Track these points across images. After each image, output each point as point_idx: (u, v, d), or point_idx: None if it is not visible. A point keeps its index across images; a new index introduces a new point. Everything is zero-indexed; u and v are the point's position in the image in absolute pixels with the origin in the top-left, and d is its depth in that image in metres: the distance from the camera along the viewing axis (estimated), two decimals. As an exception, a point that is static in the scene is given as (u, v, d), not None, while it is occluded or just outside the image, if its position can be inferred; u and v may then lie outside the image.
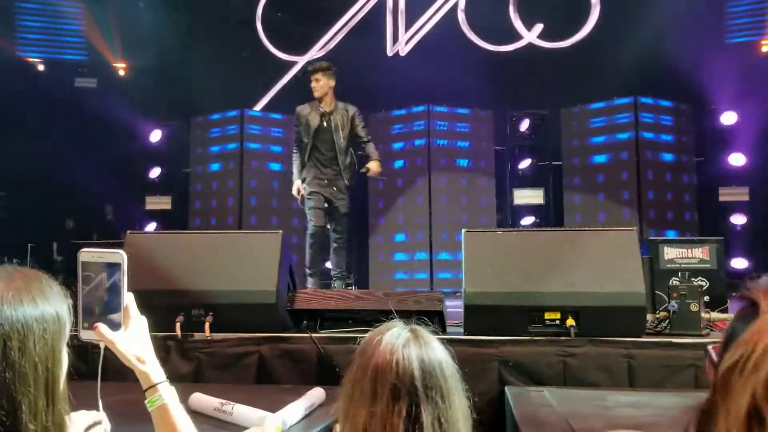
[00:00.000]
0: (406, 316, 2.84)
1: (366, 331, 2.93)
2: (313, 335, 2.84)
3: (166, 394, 1.37)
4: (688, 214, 7.56)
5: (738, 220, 7.51)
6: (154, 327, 2.65)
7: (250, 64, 7.67)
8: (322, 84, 5.29)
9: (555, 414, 2.14)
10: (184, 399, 2.16)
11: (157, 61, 7.79)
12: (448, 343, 1.40)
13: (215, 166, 7.64)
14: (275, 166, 7.63)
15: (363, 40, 8.15)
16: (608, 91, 7.54)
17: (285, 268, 3.04)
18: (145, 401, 1.36)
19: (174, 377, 2.73)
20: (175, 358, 2.79)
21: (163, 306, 2.88)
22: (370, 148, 5.43)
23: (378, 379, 1.29)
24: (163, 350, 2.79)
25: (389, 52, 8.22)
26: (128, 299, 1.36)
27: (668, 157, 7.52)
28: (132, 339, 1.35)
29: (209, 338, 2.85)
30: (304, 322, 3.02)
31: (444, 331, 2.92)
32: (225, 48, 7.76)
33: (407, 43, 8.18)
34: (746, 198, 7.55)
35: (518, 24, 8.06)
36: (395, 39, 8.24)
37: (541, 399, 2.38)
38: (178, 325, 2.85)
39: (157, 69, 7.80)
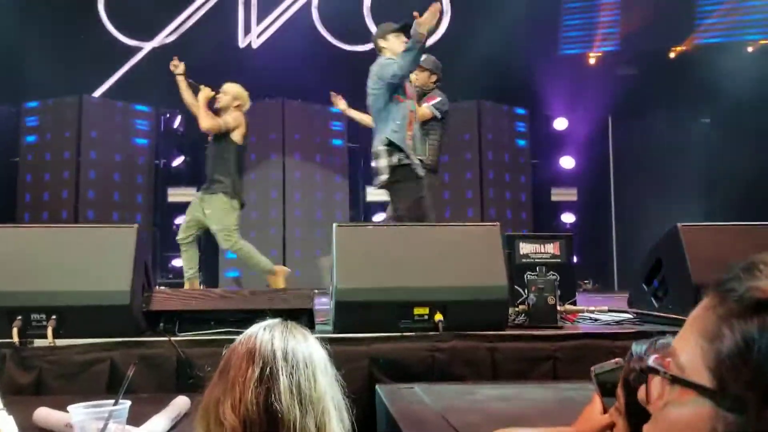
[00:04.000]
0: (274, 315, 2.74)
1: (230, 332, 2.79)
2: (171, 338, 2.63)
3: (2, 424, 1.19)
4: (525, 213, 8.05)
5: (568, 218, 8.14)
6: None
7: (90, 48, 7.07)
8: None
9: (431, 410, 2.14)
10: (27, 415, 1.91)
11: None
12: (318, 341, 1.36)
13: (48, 156, 6.98)
14: (117, 157, 7.11)
15: (214, 30, 7.85)
16: (453, 93, 7.82)
17: (140, 265, 2.80)
18: None
19: (12, 389, 2.43)
20: (12, 368, 2.47)
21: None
22: None
23: (234, 352, 1.25)
24: (-2, 359, 2.46)
25: (241, 44, 7.98)
26: None
27: (507, 158, 7.95)
28: None
29: (52, 345, 2.55)
30: (161, 324, 2.80)
31: (313, 329, 2.84)
32: (63, 29, 7.08)
33: (259, 36, 7.99)
34: (575, 198, 8.21)
35: (371, 25, 8.15)
36: (247, 31, 8.02)
37: (412, 396, 2.37)
38: (14, 330, 2.52)
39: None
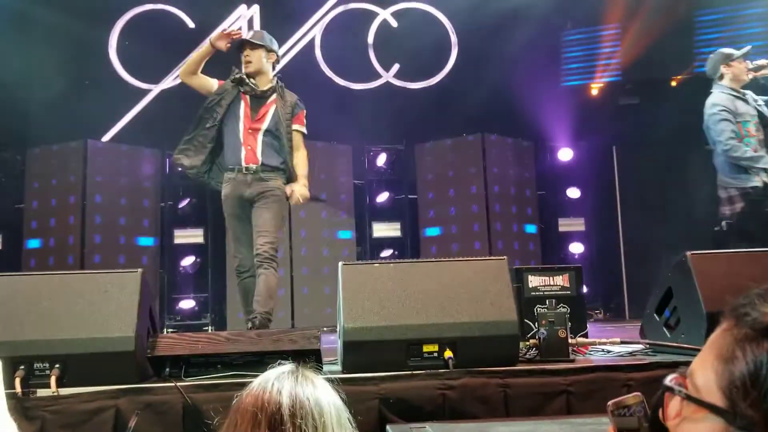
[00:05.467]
0: (282, 356, 2.69)
1: (237, 376, 2.75)
2: (177, 384, 2.59)
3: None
4: (532, 244, 8.00)
5: (576, 248, 8.07)
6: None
7: (95, 92, 7.14)
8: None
9: (443, 451, 2.09)
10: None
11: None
12: (327, 382, 1.32)
13: (54, 201, 7.00)
14: (123, 201, 7.13)
15: (220, 71, 7.95)
16: (458, 127, 7.87)
17: (145, 310, 2.78)
18: None
19: (14, 441, 2.36)
20: (14, 419, 2.43)
21: (-2, 359, 2.52)
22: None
23: (240, 410, 1.20)
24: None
25: (245, 85, 8.07)
26: None
27: (513, 190, 7.93)
28: None
29: (56, 394, 2.51)
30: (167, 369, 2.76)
31: (321, 370, 2.79)
32: (67, 75, 7.17)
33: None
34: (582, 228, 8.15)
35: (376, 63, 8.23)
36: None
37: (424, 436, 2.32)
38: (17, 380, 2.49)
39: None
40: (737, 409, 0.73)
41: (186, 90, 7.94)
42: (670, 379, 0.85)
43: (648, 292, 4.35)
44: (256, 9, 8.15)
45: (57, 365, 2.54)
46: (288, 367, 1.29)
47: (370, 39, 8.24)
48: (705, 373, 0.79)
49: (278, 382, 1.23)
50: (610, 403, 1.58)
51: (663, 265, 4.89)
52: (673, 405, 0.83)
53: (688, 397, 0.80)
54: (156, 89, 7.80)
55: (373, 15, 8.29)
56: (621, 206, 8.02)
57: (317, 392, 1.24)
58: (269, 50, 4.34)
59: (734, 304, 0.80)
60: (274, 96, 4.26)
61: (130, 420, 1.38)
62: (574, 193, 8.11)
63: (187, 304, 7.19)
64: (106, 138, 7.51)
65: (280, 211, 4.17)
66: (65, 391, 2.54)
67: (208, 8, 8.02)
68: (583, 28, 8.46)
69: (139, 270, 2.83)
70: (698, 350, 2.70)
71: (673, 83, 8.28)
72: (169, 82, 7.81)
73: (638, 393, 1.56)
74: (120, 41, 7.82)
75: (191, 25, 7.96)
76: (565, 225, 8.17)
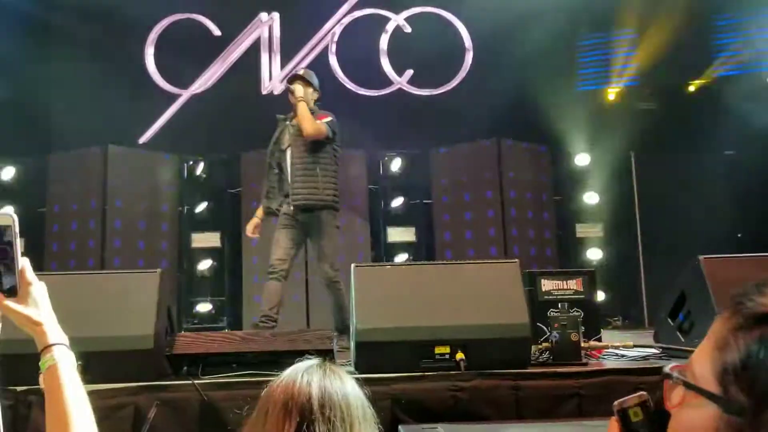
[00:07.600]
0: (296, 356, 2.74)
1: (253, 375, 2.80)
2: (195, 381, 2.65)
3: (59, 356, 1.24)
4: (549, 250, 7.97)
5: (594, 254, 8.03)
6: (10, 381, 2.35)
7: (116, 98, 7.26)
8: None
9: (454, 450, 2.12)
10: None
11: (13, 92, 7.19)
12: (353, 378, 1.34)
13: (75, 205, 7.12)
14: (142, 205, 7.24)
15: (242, 78, 8.09)
16: (474, 133, 7.88)
17: (163, 309, 2.84)
18: (39, 363, 1.23)
19: (37, 436, 2.43)
20: (37, 415, 2.50)
21: (21, 357, 2.58)
22: None
23: (271, 399, 1.24)
24: (24, 406, 2.49)
25: (263, 91, 8.18)
26: (23, 263, 1.24)
27: (529, 195, 7.91)
28: (28, 303, 1.23)
29: (77, 390, 2.57)
30: (185, 368, 2.82)
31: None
32: (88, 80, 7.30)
33: (282, 81, 8.18)
34: (600, 234, 8.11)
35: (389, 70, 8.29)
36: (271, 77, 8.24)
37: (436, 436, 2.36)
38: (41, 377, 2.55)
39: (12, 101, 7.19)
40: (729, 395, 0.76)
41: (204, 96, 8.05)
42: (670, 367, 0.88)
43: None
44: (276, 16, 8.28)
45: (78, 362, 2.59)
46: (315, 360, 1.33)
47: (384, 45, 8.30)
48: (702, 361, 0.82)
49: (308, 375, 1.27)
50: (615, 403, 1.60)
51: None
52: (677, 393, 0.87)
53: (685, 384, 0.83)
54: (186, 94, 7.95)
55: (386, 21, 8.35)
56: (640, 211, 7.97)
57: (345, 386, 1.28)
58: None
59: (733, 296, 0.83)
60: None
61: (149, 412, 1.43)
62: (591, 198, 8.06)
63: (204, 307, 7.27)
64: (143, 139, 7.70)
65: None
66: (86, 387, 2.60)
67: (232, 16, 8.17)
68: (598, 33, 8.45)
69: (158, 270, 2.89)
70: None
71: (691, 87, 8.25)
72: (196, 87, 7.96)
73: (643, 392, 1.58)
74: (155, 49, 7.99)
75: (217, 32, 8.10)
76: (583, 231, 8.11)
